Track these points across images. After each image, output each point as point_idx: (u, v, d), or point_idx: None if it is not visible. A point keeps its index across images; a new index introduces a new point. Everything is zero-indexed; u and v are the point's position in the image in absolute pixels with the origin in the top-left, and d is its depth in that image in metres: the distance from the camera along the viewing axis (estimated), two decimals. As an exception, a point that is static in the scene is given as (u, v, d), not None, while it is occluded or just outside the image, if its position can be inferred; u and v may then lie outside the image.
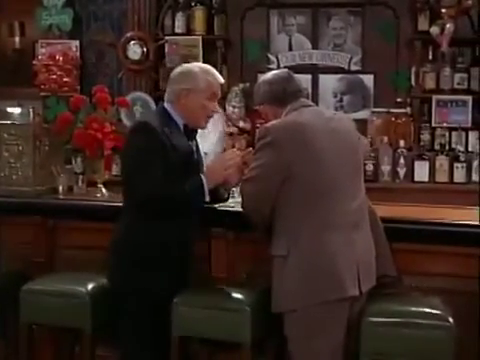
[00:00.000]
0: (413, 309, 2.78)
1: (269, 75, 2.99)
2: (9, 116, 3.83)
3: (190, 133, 3.06)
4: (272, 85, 2.90)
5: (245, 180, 2.80)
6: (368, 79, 5.66)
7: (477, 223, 3.03)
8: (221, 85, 3.08)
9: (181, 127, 3.01)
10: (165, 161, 2.85)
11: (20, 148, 3.77)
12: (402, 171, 5.23)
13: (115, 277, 3.02)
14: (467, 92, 5.31)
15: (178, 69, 3.07)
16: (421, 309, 2.76)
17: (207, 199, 2.92)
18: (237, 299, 2.94)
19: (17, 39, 6.24)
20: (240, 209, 2.90)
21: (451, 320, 2.67)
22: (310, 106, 2.91)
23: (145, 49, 5.66)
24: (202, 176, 2.92)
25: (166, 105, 3.04)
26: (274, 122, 2.77)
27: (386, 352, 2.71)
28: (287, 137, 2.68)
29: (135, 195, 2.88)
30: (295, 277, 2.65)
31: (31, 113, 3.80)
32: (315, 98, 5.58)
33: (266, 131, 2.74)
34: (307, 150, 2.68)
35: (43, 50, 5.85)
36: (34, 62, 5.82)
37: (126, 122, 4.76)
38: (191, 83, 2.98)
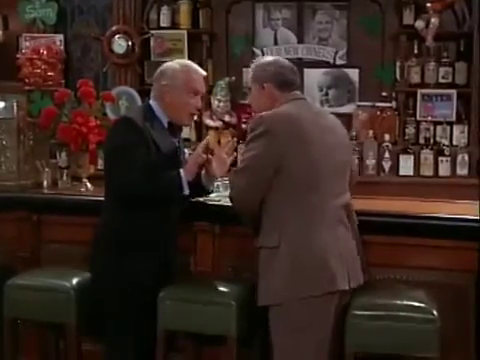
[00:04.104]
0: (398, 302, 2.79)
1: (279, 59, 2.99)
2: (-8, 110, 3.82)
3: (174, 130, 3.07)
4: (284, 69, 2.88)
5: (236, 171, 2.77)
6: (353, 73, 5.66)
7: (463, 216, 3.04)
8: (205, 80, 3.07)
9: (165, 124, 3.02)
10: (146, 156, 2.85)
11: (4, 142, 3.76)
12: (387, 165, 5.25)
13: (98, 271, 3.01)
14: (452, 86, 5.32)
15: (160, 67, 3.09)
16: (405, 302, 2.77)
17: (186, 192, 2.88)
18: (223, 293, 2.95)
19: (0, 32, 6.17)
20: (226, 203, 2.89)
21: (435, 313, 2.68)
22: (302, 99, 2.90)
23: (130, 43, 5.63)
24: (181, 170, 2.91)
25: (151, 102, 3.05)
26: (268, 113, 2.73)
27: (371, 345, 2.71)
28: (281, 128, 2.65)
29: (114, 187, 2.90)
30: (285, 270, 2.63)
31: (15, 107, 3.78)
32: (301, 92, 5.56)
33: (260, 121, 2.71)
34: (299, 143, 2.65)
35: (27, 44, 5.79)
36: (18, 56, 5.77)
37: (111, 116, 4.74)
38: (170, 80, 2.99)
